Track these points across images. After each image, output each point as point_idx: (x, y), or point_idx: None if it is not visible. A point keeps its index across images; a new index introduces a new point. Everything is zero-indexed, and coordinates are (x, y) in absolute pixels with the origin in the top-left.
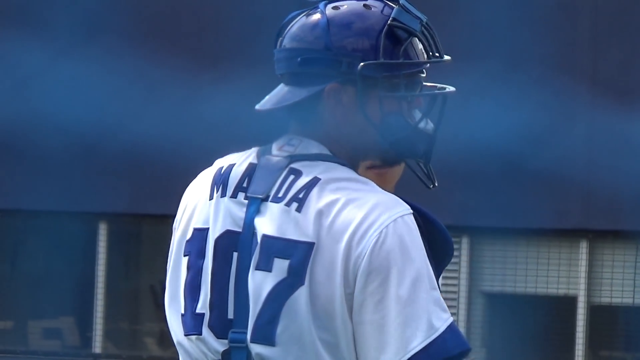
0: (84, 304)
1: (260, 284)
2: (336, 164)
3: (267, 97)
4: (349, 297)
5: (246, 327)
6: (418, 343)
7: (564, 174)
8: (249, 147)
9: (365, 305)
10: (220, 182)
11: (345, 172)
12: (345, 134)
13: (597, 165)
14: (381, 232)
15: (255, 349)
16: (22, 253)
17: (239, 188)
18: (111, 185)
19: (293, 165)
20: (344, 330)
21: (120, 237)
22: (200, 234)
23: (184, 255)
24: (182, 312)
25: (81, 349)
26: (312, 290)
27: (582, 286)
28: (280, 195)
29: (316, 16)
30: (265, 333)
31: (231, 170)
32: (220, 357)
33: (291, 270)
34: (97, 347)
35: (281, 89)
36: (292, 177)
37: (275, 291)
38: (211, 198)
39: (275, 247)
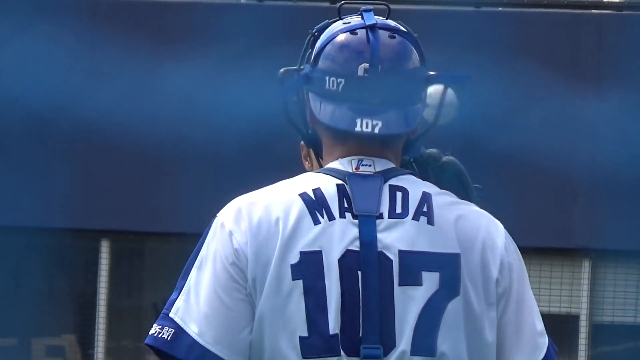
0: (86, 322)
1: (410, 298)
2: (414, 176)
3: (376, 119)
4: (490, 303)
5: (379, 343)
6: (545, 345)
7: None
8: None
9: (507, 307)
10: (321, 206)
11: (429, 183)
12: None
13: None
14: (505, 238)
15: None
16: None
17: (342, 209)
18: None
19: (391, 183)
20: (490, 335)
21: (123, 255)
22: (313, 256)
23: (294, 279)
24: (305, 334)
25: None
26: (466, 300)
27: (584, 305)
28: (399, 211)
29: (395, 38)
30: (426, 345)
31: (323, 194)
32: None
33: (443, 282)
34: None
35: (386, 110)
36: (399, 193)
37: (430, 304)
38: (317, 222)
39: (420, 261)
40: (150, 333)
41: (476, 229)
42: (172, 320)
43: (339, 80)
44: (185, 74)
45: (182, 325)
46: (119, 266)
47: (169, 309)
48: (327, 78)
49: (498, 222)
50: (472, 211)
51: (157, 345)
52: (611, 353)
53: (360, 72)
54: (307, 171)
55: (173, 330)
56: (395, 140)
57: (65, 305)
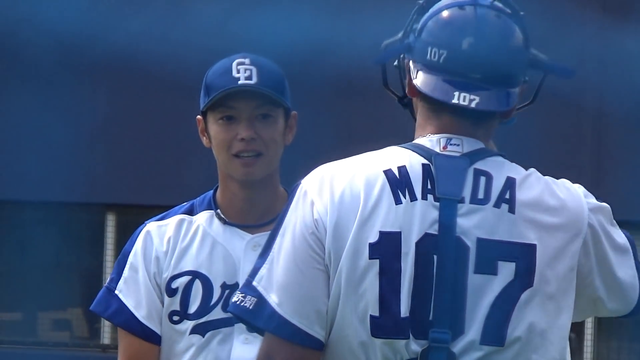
0: (93, 295)
1: (484, 287)
2: (504, 159)
3: (474, 95)
4: (566, 288)
5: (447, 328)
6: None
7: None
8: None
9: (593, 272)
10: (404, 185)
11: (517, 166)
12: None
13: None
14: (587, 205)
15: (485, 349)
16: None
17: (425, 190)
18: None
19: (476, 166)
20: (563, 319)
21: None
22: (392, 237)
23: (371, 258)
24: (376, 314)
25: (90, 340)
26: (540, 290)
27: None
28: (480, 197)
29: (501, 18)
30: (497, 335)
31: (407, 173)
32: (417, 357)
33: (518, 272)
34: (106, 338)
35: (485, 87)
36: (483, 178)
37: (504, 294)
38: (399, 202)
39: (497, 250)
40: (232, 301)
41: (558, 211)
42: (254, 289)
43: (441, 51)
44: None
45: (264, 295)
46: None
47: (253, 277)
48: (429, 49)
49: (578, 188)
50: (556, 190)
51: (239, 314)
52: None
53: (464, 46)
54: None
55: (255, 299)
56: (488, 120)
57: (72, 278)
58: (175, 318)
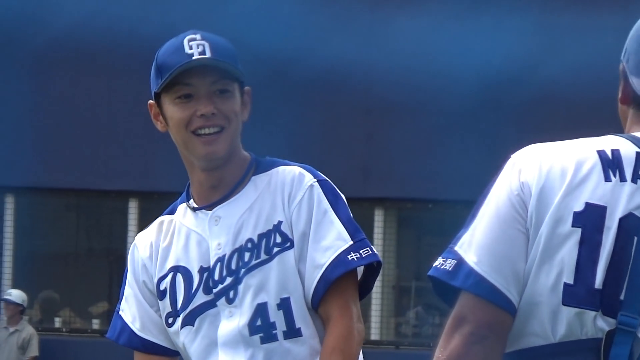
0: None
1: None
2: None
3: None
4: None
5: (637, 312)
6: None
7: None
8: None
9: None
10: (615, 166)
11: None
12: None
13: None
14: None
15: None
16: None
17: (635, 175)
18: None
19: None
20: None
21: None
22: (598, 210)
23: (574, 226)
24: (570, 282)
25: None
26: None
27: None
28: None
29: None
30: None
31: (620, 155)
32: (602, 336)
33: None
34: None
35: None
36: None
37: None
38: (608, 179)
39: None
40: (434, 265)
41: None
42: (455, 252)
43: None
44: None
45: (463, 256)
46: None
47: (455, 244)
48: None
49: None
50: None
51: (438, 275)
52: None
53: None
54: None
55: (455, 261)
56: None
57: None
58: (170, 320)
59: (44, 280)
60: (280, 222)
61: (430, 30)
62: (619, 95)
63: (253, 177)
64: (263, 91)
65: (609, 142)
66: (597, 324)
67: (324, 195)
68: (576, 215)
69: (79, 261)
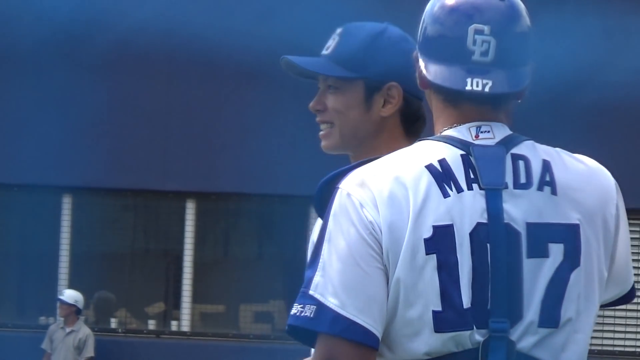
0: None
1: (538, 270)
2: (532, 141)
3: (486, 79)
4: (606, 266)
5: (506, 316)
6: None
7: None
8: None
9: (620, 248)
10: (448, 178)
11: (546, 147)
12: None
13: None
14: (615, 185)
15: (542, 332)
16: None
17: (469, 181)
18: None
19: (513, 151)
20: (599, 299)
21: None
22: (446, 230)
23: (427, 253)
24: (438, 309)
25: None
26: (585, 270)
27: None
28: (523, 181)
29: (504, 1)
30: (552, 316)
31: (449, 165)
32: (478, 347)
33: (567, 253)
34: None
35: (496, 70)
36: (521, 162)
37: (556, 276)
38: (446, 195)
39: (546, 232)
40: (291, 313)
41: (594, 189)
42: (311, 297)
43: (449, 41)
44: None
45: (323, 300)
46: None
47: (308, 287)
48: (436, 40)
49: (603, 168)
50: (586, 168)
51: (300, 324)
52: None
53: (471, 33)
54: None
55: (315, 307)
56: (506, 102)
57: (274, 271)
58: None
59: (100, 281)
60: None
61: None
62: (418, 80)
63: None
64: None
65: (432, 153)
66: (473, 338)
67: None
68: (427, 242)
69: (136, 262)
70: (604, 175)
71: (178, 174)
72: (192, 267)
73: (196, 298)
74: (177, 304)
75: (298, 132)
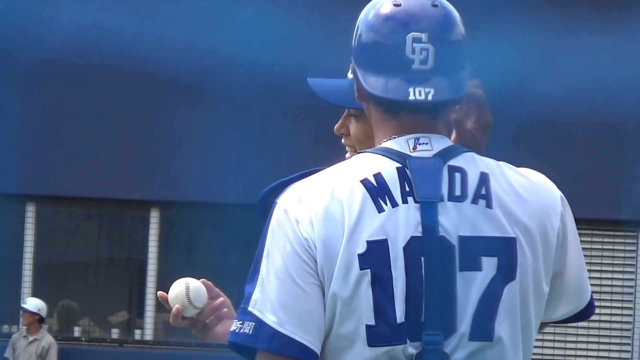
0: None
1: (471, 284)
2: (473, 153)
3: (428, 87)
4: (547, 281)
5: (440, 329)
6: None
7: None
8: None
9: (562, 258)
10: (383, 193)
11: (486, 159)
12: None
13: None
14: (561, 199)
15: (474, 345)
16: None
17: (404, 194)
18: None
19: (450, 163)
20: (536, 316)
21: None
22: (379, 245)
23: (362, 269)
24: (372, 323)
25: None
26: (521, 284)
27: None
28: (458, 194)
29: (438, 7)
30: (485, 330)
31: (384, 179)
32: (412, 358)
33: (500, 266)
34: None
35: (436, 78)
36: (458, 174)
37: (489, 289)
38: (381, 210)
39: (479, 246)
40: (231, 330)
41: (535, 202)
42: (250, 313)
43: (386, 50)
44: None
45: (261, 317)
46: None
47: (247, 304)
48: (373, 49)
49: (549, 181)
50: (528, 182)
51: (239, 341)
52: None
53: (409, 41)
54: None
55: (253, 323)
56: (446, 109)
57: (238, 279)
58: None
59: (63, 290)
60: None
61: None
62: (356, 93)
63: None
64: (258, 106)
65: (368, 166)
66: (407, 352)
67: None
68: (361, 257)
69: (99, 270)
70: (547, 189)
71: (142, 183)
72: (156, 276)
73: (160, 307)
74: (140, 313)
75: (263, 141)
